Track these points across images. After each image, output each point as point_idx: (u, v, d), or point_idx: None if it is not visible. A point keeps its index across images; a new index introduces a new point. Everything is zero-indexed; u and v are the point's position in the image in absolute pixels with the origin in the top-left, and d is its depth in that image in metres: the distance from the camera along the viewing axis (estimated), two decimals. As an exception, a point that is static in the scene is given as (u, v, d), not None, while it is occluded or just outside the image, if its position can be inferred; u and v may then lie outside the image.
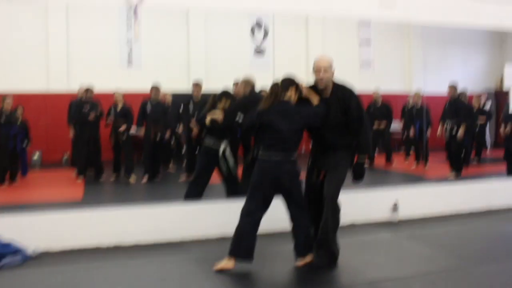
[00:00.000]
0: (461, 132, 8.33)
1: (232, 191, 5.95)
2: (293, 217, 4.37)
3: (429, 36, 7.39)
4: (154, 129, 8.22)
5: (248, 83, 5.88)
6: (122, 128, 8.10)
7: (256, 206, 4.27)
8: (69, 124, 8.54)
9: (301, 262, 4.36)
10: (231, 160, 5.82)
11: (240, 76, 6.27)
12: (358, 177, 4.57)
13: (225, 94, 5.76)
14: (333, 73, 4.46)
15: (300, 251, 4.38)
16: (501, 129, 7.94)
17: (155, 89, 8.24)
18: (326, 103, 4.41)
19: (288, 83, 4.37)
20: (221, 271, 4.21)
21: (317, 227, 4.57)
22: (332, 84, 4.47)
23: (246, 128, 4.74)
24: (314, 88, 4.52)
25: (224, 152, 5.77)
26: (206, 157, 5.86)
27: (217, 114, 5.47)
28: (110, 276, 4.26)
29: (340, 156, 4.49)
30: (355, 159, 4.59)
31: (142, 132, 8.25)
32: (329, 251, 4.43)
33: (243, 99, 5.74)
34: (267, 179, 4.25)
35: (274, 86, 4.35)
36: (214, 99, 5.77)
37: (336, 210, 4.46)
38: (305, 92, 4.45)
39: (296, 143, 4.32)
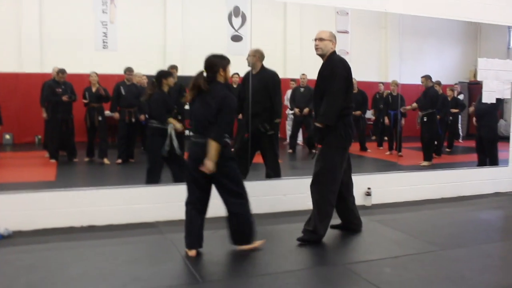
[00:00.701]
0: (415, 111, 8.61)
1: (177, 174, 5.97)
2: (226, 204, 4.22)
3: (405, 27, 7.44)
4: (128, 111, 8.14)
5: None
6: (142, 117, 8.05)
7: (193, 193, 4.20)
8: (42, 106, 8.39)
9: (241, 247, 4.32)
10: (175, 142, 5.87)
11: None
12: (309, 144, 4.73)
13: (164, 73, 6.05)
14: (331, 44, 4.63)
15: (236, 239, 4.30)
16: (474, 120, 8.08)
17: (129, 70, 8.17)
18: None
19: (213, 67, 4.15)
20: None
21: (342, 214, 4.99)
22: (329, 55, 4.64)
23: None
24: None
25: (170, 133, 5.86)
26: (156, 138, 5.90)
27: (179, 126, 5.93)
28: (82, 256, 4.22)
29: (329, 132, 4.57)
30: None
31: (116, 115, 8.16)
32: (314, 230, 4.56)
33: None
34: (193, 163, 4.10)
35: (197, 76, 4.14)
36: (157, 82, 5.96)
37: (322, 190, 4.58)
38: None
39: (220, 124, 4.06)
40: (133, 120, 8.15)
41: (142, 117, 8.21)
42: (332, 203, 4.66)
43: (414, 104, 8.85)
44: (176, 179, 5.91)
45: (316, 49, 4.66)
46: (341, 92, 4.50)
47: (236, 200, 4.18)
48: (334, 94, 4.48)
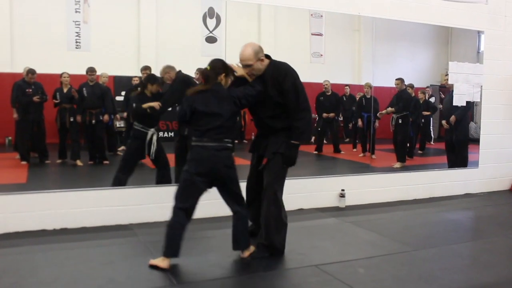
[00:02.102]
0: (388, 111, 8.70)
1: (161, 177, 6.07)
2: (232, 208, 4.16)
3: (378, 30, 7.54)
4: (89, 112, 8.06)
5: (173, 68, 6.25)
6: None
7: (189, 198, 4.00)
8: (13, 106, 8.23)
9: (246, 253, 4.21)
10: (153, 147, 5.93)
11: (190, 62, 6.37)
12: (290, 162, 4.26)
13: (151, 78, 6.08)
14: (260, 62, 4.22)
15: (241, 244, 4.19)
16: (444, 122, 8.23)
17: (91, 70, 8.09)
18: (262, 82, 4.24)
19: (217, 69, 4.08)
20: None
21: (255, 217, 4.53)
22: (265, 67, 4.25)
23: (180, 119, 4.16)
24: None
25: (152, 137, 5.93)
26: (135, 141, 5.97)
27: (155, 103, 5.85)
28: (55, 260, 4.16)
29: (280, 141, 4.26)
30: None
31: (78, 117, 8.04)
32: (271, 245, 4.28)
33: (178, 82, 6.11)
34: (203, 167, 3.97)
35: (205, 71, 4.08)
36: (142, 85, 6.03)
37: (277, 202, 4.25)
38: (239, 72, 4.26)
39: (230, 128, 4.06)
40: (93, 121, 8.05)
41: (106, 117, 8.14)
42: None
43: (390, 109, 8.96)
44: (159, 181, 6.02)
45: (250, 76, 4.25)
46: (308, 103, 4.27)
47: (241, 203, 4.20)
48: (306, 110, 4.24)
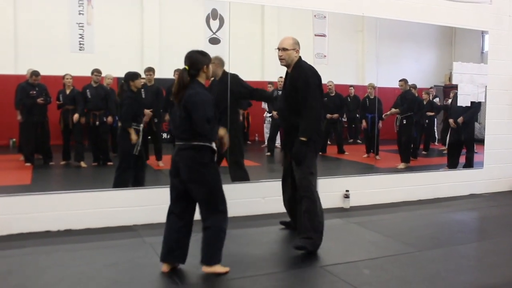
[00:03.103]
0: (392, 112, 8.71)
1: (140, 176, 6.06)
2: (202, 218, 3.86)
3: (382, 31, 7.53)
4: (93, 114, 8.07)
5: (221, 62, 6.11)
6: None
7: (172, 200, 3.92)
8: (17, 108, 8.25)
9: (206, 269, 3.85)
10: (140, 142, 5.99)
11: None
12: (296, 160, 4.44)
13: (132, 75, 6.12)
14: (295, 52, 4.51)
15: (204, 258, 3.85)
16: (451, 120, 8.21)
17: (97, 71, 8.10)
18: (285, 79, 4.61)
19: (197, 64, 3.83)
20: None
21: (292, 215, 4.79)
22: (295, 63, 4.53)
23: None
24: None
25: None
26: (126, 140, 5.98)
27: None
28: (60, 261, 4.17)
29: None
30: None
31: (82, 119, 8.04)
32: (308, 240, 4.39)
33: None
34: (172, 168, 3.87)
35: (181, 73, 3.80)
36: (123, 84, 6.09)
37: (309, 197, 4.40)
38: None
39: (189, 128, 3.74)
40: (97, 123, 8.05)
41: (109, 119, 8.15)
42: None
43: (394, 110, 8.93)
44: (136, 181, 5.99)
45: (280, 59, 4.56)
46: (317, 103, 4.41)
47: (214, 213, 3.86)
48: (312, 107, 4.38)
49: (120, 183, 5.82)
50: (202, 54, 3.88)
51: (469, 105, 7.60)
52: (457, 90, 7.67)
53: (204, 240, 3.84)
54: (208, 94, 3.84)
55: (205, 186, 3.79)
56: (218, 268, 3.85)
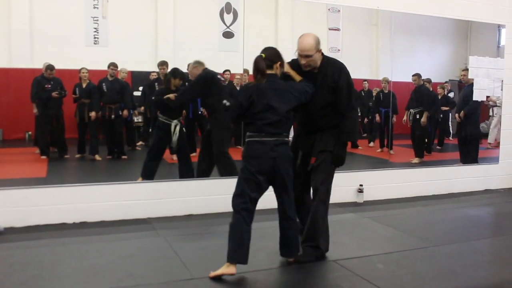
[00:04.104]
0: (423, 119, 8.60)
1: (184, 170, 6.20)
2: (284, 209, 3.87)
3: (397, 25, 7.48)
4: (109, 107, 8.12)
5: (201, 64, 6.23)
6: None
7: (251, 195, 3.73)
8: (33, 102, 8.33)
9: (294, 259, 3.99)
10: (180, 136, 6.15)
11: (207, 57, 6.39)
12: (339, 162, 4.16)
13: (173, 72, 6.33)
14: (319, 54, 4.10)
15: (291, 250, 3.96)
16: (457, 115, 8.15)
17: (113, 65, 8.15)
18: (313, 79, 4.10)
19: (273, 57, 3.83)
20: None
21: (300, 218, 4.38)
22: (320, 59, 4.13)
23: (237, 116, 3.89)
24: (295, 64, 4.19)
25: (175, 128, 6.11)
26: (159, 132, 6.19)
27: (171, 95, 6.10)
28: (75, 253, 4.21)
29: (327, 139, 4.15)
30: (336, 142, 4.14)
31: (93, 114, 8.08)
32: (317, 246, 4.15)
33: (199, 79, 6.14)
34: (261, 164, 3.73)
35: (258, 60, 3.76)
36: (166, 79, 6.30)
37: (327, 202, 4.17)
38: (286, 68, 4.06)
39: (289, 123, 3.87)
40: (113, 116, 8.10)
41: (125, 113, 8.20)
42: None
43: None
44: (181, 173, 6.16)
45: (305, 67, 4.09)
46: (357, 103, 4.27)
47: (293, 204, 3.94)
48: (354, 108, 4.17)
49: (144, 172, 5.99)
50: (279, 53, 3.90)
51: (484, 100, 7.55)
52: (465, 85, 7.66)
53: (294, 233, 3.95)
54: None
55: (291, 180, 3.87)
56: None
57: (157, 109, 6.39)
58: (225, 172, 5.91)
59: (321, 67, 4.13)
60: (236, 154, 5.44)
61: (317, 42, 4.07)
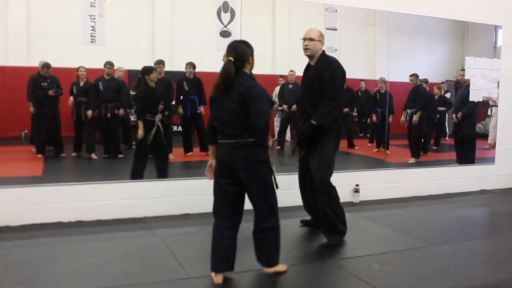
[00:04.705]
0: (415, 118, 8.61)
1: (160, 168, 6.19)
2: (259, 218, 3.64)
3: (394, 25, 7.49)
4: (105, 106, 8.11)
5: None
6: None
7: (221, 205, 3.60)
8: (29, 100, 8.31)
9: (269, 270, 3.77)
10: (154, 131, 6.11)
11: (205, 56, 6.39)
12: (300, 138, 4.58)
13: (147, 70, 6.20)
14: (320, 44, 4.51)
15: (266, 260, 3.75)
16: (454, 116, 8.17)
17: (109, 64, 8.15)
18: (309, 71, 4.59)
19: (242, 56, 3.56)
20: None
21: (312, 211, 4.84)
22: (320, 55, 4.53)
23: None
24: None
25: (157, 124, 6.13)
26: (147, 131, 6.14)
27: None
28: (71, 252, 4.20)
29: (323, 131, 4.43)
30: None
31: (90, 112, 8.08)
32: (336, 231, 4.56)
33: None
34: (221, 168, 3.58)
35: (226, 66, 3.49)
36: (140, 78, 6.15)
37: (329, 193, 4.47)
38: None
39: (244, 124, 3.48)
40: (109, 115, 8.09)
41: (121, 111, 8.19)
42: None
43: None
44: (158, 171, 6.12)
45: (306, 49, 4.52)
46: (339, 96, 4.41)
47: (271, 211, 3.66)
48: (335, 98, 4.39)
49: (133, 172, 5.96)
50: (247, 45, 3.62)
51: (480, 100, 7.56)
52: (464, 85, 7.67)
53: (265, 241, 3.68)
54: (264, 87, 3.58)
55: (265, 185, 3.57)
56: (279, 267, 3.78)
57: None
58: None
59: (317, 61, 4.52)
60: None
61: (322, 35, 4.57)
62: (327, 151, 4.47)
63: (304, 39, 4.51)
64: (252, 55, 3.61)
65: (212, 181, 3.71)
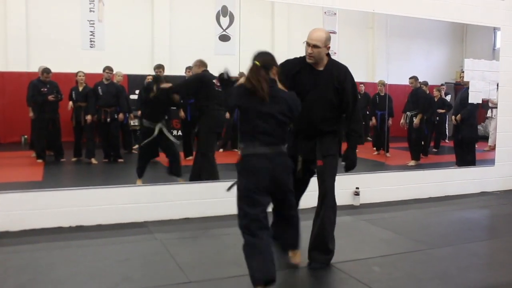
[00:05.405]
0: (416, 121, 8.62)
1: (174, 169, 6.31)
2: (286, 218, 3.77)
3: (393, 28, 7.50)
4: (104, 111, 8.12)
5: (203, 64, 6.26)
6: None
7: (258, 213, 3.37)
8: (29, 105, 8.33)
9: (297, 253, 3.98)
10: (170, 137, 6.30)
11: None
12: (351, 167, 4.15)
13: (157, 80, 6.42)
14: (326, 49, 3.97)
15: (296, 243, 3.96)
16: (453, 118, 8.16)
17: (108, 68, 8.17)
18: (316, 79, 4.00)
19: (269, 63, 3.49)
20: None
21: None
22: (326, 60, 4.02)
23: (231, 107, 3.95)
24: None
25: (161, 131, 6.20)
26: (144, 137, 6.30)
27: (166, 84, 6.14)
28: (72, 257, 4.20)
29: (329, 144, 4.08)
30: (344, 147, 4.14)
31: (89, 117, 8.11)
32: (326, 250, 4.08)
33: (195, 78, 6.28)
34: (261, 178, 3.38)
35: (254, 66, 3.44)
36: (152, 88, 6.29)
37: (335, 207, 4.12)
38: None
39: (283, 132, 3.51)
40: (108, 119, 8.10)
41: (121, 116, 8.20)
42: None
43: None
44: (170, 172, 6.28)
45: (309, 57, 3.94)
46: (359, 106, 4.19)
47: (296, 211, 3.91)
48: (358, 110, 4.14)
49: (137, 170, 6.13)
50: (272, 56, 3.57)
51: (480, 102, 7.57)
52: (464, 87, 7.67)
53: (295, 226, 3.90)
54: None
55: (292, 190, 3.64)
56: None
57: (143, 114, 6.57)
58: (206, 175, 5.94)
59: (326, 67, 4.02)
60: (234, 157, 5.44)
61: (328, 38, 3.96)
62: (335, 163, 4.14)
63: (308, 44, 3.93)
64: (277, 66, 3.58)
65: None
